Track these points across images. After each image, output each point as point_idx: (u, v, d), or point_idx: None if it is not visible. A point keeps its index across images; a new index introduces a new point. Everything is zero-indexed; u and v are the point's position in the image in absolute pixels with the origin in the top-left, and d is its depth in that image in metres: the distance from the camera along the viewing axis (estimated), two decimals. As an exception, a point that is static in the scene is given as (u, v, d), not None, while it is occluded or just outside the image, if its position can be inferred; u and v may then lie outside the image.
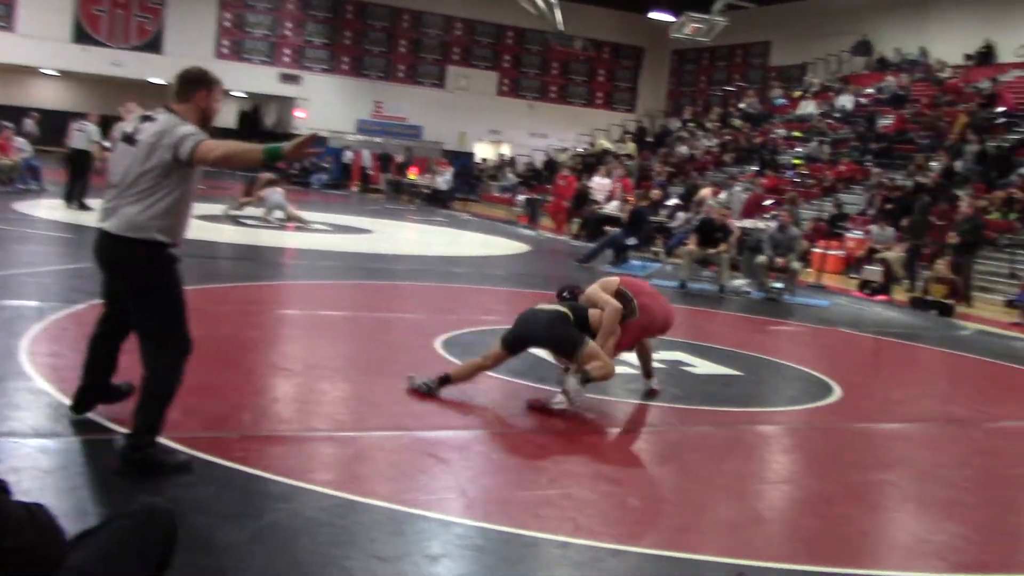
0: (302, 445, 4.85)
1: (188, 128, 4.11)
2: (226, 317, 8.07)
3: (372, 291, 10.94)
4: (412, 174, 31.24)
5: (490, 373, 6.58)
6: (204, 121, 4.31)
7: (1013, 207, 17.84)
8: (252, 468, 4.29)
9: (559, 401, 5.66)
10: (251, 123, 37.04)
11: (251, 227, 16.16)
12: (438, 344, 7.55)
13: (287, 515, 3.87)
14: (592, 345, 5.77)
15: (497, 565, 3.65)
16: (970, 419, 7.28)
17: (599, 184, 22.43)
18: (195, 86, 4.32)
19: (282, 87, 34.40)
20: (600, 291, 6.18)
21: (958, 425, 7.03)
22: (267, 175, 17.52)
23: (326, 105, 34.17)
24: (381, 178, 32.61)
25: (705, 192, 20.29)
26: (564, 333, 5.82)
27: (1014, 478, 5.75)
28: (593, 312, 5.99)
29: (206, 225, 15.20)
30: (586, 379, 5.68)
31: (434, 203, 28.30)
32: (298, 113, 34.57)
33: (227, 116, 36.33)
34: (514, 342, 5.95)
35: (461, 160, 34.04)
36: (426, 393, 5.85)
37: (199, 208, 16.31)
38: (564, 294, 6.42)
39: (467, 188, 32.11)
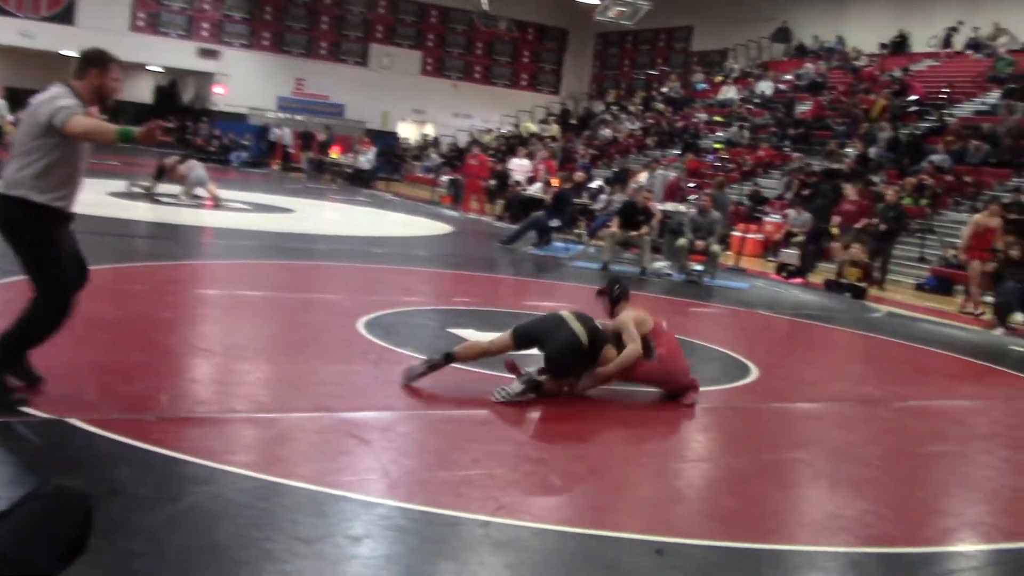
0: (222, 427, 4.79)
1: (68, 101, 4.48)
2: (142, 297, 7.91)
3: (293, 271, 10.81)
4: (334, 153, 30.90)
5: (408, 352, 6.58)
6: (101, 99, 4.71)
7: (924, 193, 18.38)
8: (170, 450, 4.22)
9: (503, 394, 5.63)
10: (168, 98, 36.19)
11: (168, 205, 15.83)
12: (360, 325, 7.50)
13: (206, 498, 3.82)
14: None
15: (419, 545, 3.66)
16: (880, 399, 7.51)
17: (518, 165, 22.64)
18: (88, 64, 4.66)
19: (200, 62, 33.66)
20: (631, 325, 6.08)
21: (869, 405, 7.24)
22: (174, 157, 17.15)
23: (246, 81, 33.56)
24: (302, 157, 32.18)
25: (643, 175, 20.54)
26: (570, 363, 5.86)
27: (921, 456, 5.95)
28: (607, 351, 5.97)
29: (121, 203, 14.85)
30: (535, 387, 5.71)
31: (356, 183, 28.05)
32: (217, 89, 33.88)
33: (143, 91, 35.43)
34: (528, 341, 5.93)
35: (384, 140, 33.79)
36: (429, 369, 5.73)
37: (114, 186, 15.97)
38: (615, 289, 6.42)
39: (390, 168, 31.88)
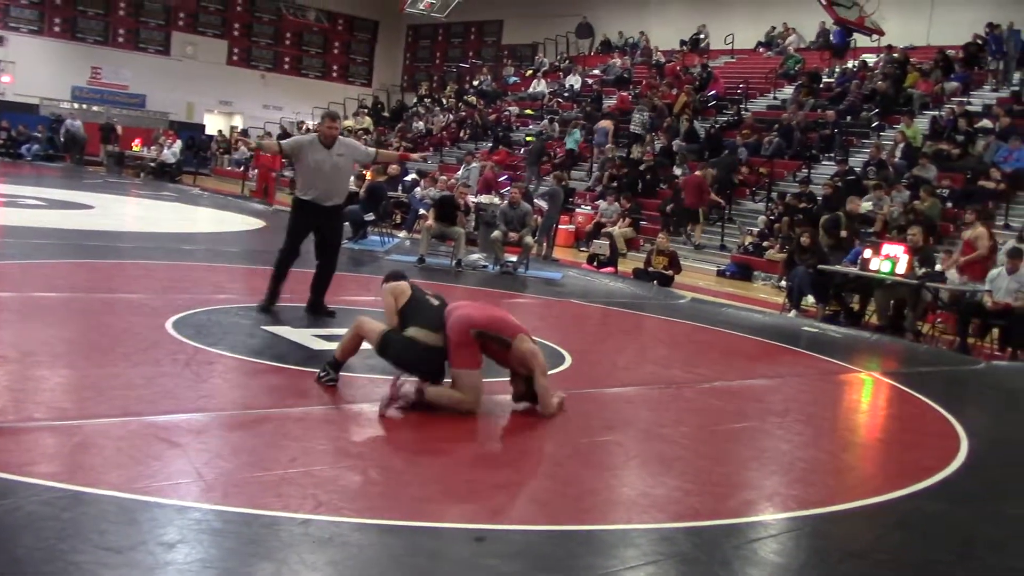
0: (18, 436, 4.52)
1: (290, 138, 8.02)
2: (-76, 301, 7.35)
3: (94, 271, 10.29)
4: (136, 146, 29.55)
5: (221, 351, 6.42)
6: (327, 139, 8.28)
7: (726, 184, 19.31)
8: (-39, 464, 3.96)
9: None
10: (-51, 87, 33.64)
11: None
12: (169, 325, 7.24)
13: (4, 512, 3.60)
14: None
15: (236, 547, 3.58)
16: (686, 381, 7.87)
17: None
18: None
19: (-16, 49, 31.48)
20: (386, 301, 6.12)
21: (676, 386, 7.58)
22: None
23: (35, 70, 31.65)
24: (101, 150, 30.62)
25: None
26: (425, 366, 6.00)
27: (723, 432, 6.28)
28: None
29: None
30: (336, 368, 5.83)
31: (161, 177, 26.95)
32: (3, 78, 31.80)
33: (-81, 79, 32.81)
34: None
35: (189, 132, 32.60)
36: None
37: None
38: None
39: (197, 162, 30.78)
